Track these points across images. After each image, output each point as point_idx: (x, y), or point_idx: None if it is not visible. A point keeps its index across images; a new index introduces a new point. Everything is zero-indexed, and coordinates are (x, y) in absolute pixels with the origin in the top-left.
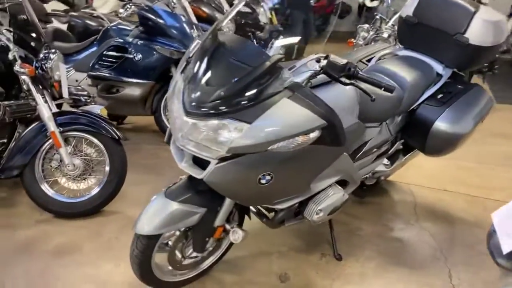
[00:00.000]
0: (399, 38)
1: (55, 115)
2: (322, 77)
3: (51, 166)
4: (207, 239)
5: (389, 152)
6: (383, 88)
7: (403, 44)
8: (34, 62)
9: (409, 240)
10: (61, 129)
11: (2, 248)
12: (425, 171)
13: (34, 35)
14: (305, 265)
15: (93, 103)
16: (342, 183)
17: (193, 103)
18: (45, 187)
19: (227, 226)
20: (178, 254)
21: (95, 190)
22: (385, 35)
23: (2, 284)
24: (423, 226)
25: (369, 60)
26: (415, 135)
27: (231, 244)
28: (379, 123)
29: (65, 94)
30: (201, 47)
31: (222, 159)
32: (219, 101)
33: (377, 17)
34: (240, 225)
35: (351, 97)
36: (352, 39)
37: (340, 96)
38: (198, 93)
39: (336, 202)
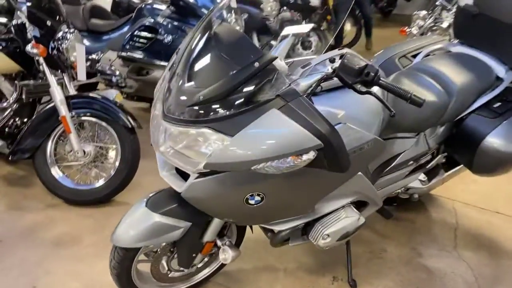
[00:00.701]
0: (455, 31)
1: (69, 98)
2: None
3: (64, 150)
4: (193, 255)
5: (428, 167)
6: (409, 101)
7: (459, 38)
8: (51, 42)
9: (440, 271)
10: (74, 113)
11: (8, 231)
12: (475, 186)
13: (53, 13)
14: None
15: (123, 84)
16: (360, 203)
17: (171, 106)
18: (55, 171)
19: (219, 242)
20: (163, 267)
21: (105, 179)
22: (445, 24)
23: None
24: (462, 255)
25: (415, 56)
26: (461, 150)
27: None
28: (415, 133)
29: (81, 76)
30: (191, 38)
31: (202, 173)
32: (197, 106)
33: (438, 3)
34: (238, 240)
35: (373, 107)
36: (406, 28)
37: (359, 105)
38: (178, 94)
39: (348, 227)
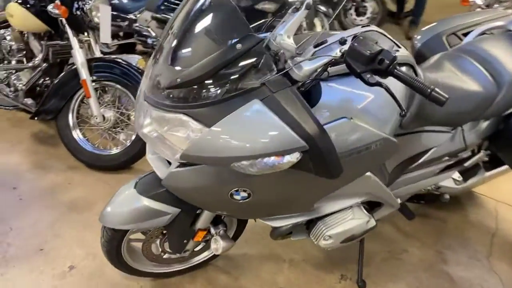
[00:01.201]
0: None
1: (91, 61)
2: None
3: (87, 113)
4: (184, 241)
5: (465, 165)
6: (428, 98)
7: None
8: (75, 3)
9: (466, 282)
10: (95, 77)
11: (29, 190)
12: None
13: None
14: (317, 286)
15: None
16: (373, 203)
17: (150, 86)
18: (76, 134)
19: (213, 231)
20: (156, 249)
21: (124, 146)
22: None
23: (9, 228)
24: (495, 266)
25: (467, 34)
26: (507, 149)
27: None
28: (451, 127)
29: (105, 39)
30: (180, 9)
31: (183, 163)
32: (175, 90)
33: None
34: (239, 229)
35: (391, 100)
36: None
37: (374, 97)
38: (160, 73)
39: (355, 229)
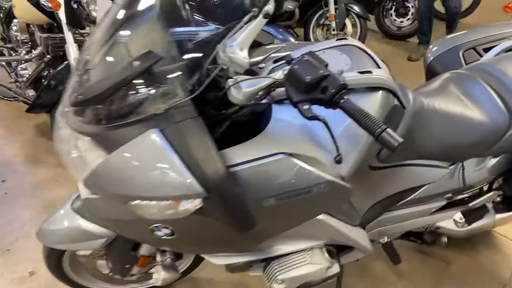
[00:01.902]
0: None
1: None
2: None
3: None
4: (127, 266)
5: (470, 205)
6: (376, 138)
7: None
8: None
9: None
10: None
11: (16, 184)
12: None
13: None
14: None
15: None
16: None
17: (67, 97)
18: None
19: (158, 258)
20: (104, 268)
21: None
22: None
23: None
24: None
25: (489, 49)
26: None
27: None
28: (449, 163)
29: None
30: (106, 14)
31: None
32: (78, 107)
33: None
34: (198, 259)
35: (355, 131)
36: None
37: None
38: (74, 81)
39: (312, 275)
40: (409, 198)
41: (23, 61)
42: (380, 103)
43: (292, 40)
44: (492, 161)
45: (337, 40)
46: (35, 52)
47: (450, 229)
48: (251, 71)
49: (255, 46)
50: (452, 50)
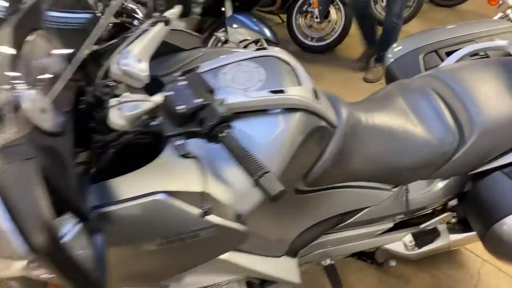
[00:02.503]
0: None
1: None
2: None
3: None
4: None
5: (421, 227)
6: (255, 183)
7: None
8: None
9: None
10: None
11: None
12: None
13: None
14: None
15: None
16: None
17: None
18: None
19: None
20: None
21: None
22: None
23: None
24: None
25: (451, 53)
26: (473, 216)
27: None
28: (391, 186)
29: None
30: None
31: None
32: None
33: None
34: None
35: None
36: None
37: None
38: None
39: None
40: (349, 221)
41: None
42: (296, 126)
43: (267, 31)
44: (442, 183)
45: (256, 50)
46: None
47: (400, 252)
48: (159, 86)
49: (173, 51)
50: (412, 53)
